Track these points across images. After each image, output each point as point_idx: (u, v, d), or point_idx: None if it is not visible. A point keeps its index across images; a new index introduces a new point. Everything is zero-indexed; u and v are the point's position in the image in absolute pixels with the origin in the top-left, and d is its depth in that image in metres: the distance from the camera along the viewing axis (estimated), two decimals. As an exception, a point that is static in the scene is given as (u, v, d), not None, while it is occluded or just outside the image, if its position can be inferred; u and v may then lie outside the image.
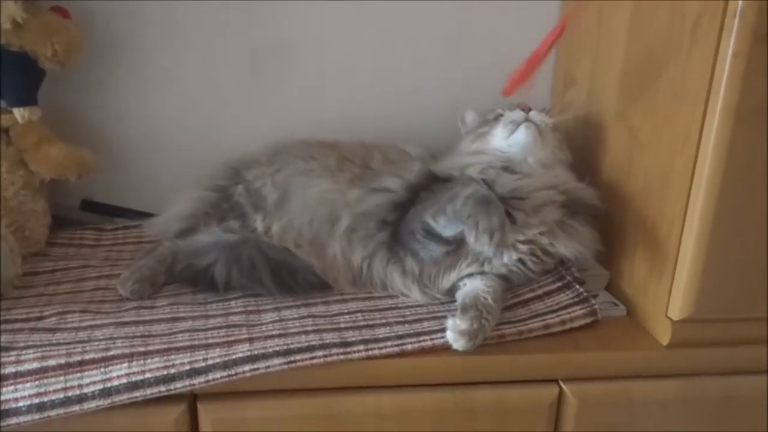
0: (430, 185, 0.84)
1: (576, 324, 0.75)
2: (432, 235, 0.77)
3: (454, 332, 0.68)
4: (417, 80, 1.10)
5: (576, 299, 0.78)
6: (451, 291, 0.79)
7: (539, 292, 0.80)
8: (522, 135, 0.83)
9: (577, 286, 0.79)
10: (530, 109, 0.87)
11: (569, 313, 0.76)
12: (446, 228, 0.76)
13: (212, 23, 1.02)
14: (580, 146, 0.93)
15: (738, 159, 0.65)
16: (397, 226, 0.80)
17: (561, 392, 0.72)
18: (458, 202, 0.73)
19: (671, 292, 0.72)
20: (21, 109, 0.88)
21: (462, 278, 0.79)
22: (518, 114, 0.85)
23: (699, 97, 0.67)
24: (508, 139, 0.84)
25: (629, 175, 0.82)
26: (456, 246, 0.78)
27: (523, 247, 0.78)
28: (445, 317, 0.72)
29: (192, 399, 0.67)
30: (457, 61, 1.10)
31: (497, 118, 0.88)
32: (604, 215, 0.82)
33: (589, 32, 0.94)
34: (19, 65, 0.87)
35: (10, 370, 0.62)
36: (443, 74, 1.10)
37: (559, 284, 0.80)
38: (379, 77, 1.09)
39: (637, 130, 0.79)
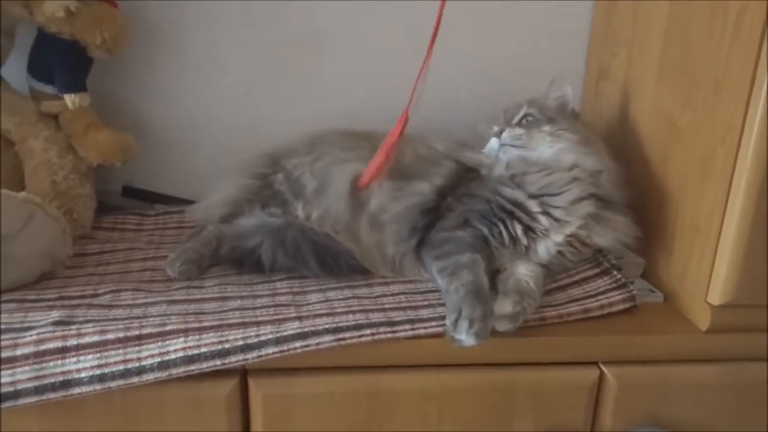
0: (458, 186, 0.86)
1: (615, 309, 0.76)
2: None
3: (497, 314, 0.70)
4: (449, 71, 1.11)
5: (614, 285, 0.79)
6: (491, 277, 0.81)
7: (577, 277, 0.81)
8: (504, 162, 0.84)
9: (615, 272, 0.80)
10: (510, 123, 0.87)
11: (608, 298, 0.77)
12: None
13: (249, 14, 1.04)
14: (616, 136, 0.95)
15: (781, 147, 0.67)
16: (424, 236, 0.82)
17: (601, 374, 0.73)
18: (453, 285, 0.73)
19: (711, 277, 0.73)
20: (72, 95, 0.90)
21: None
22: (493, 144, 0.86)
23: (742, 87, 0.68)
24: (498, 165, 0.85)
25: (666, 163, 0.83)
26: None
27: (562, 241, 0.80)
28: (488, 301, 0.73)
29: (243, 374, 0.69)
30: (488, 53, 1.11)
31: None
32: (629, 199, 0.83)
33: (625, 26, 0.96)
34: (70, 53, 0.90)
35: (71, 342, 0.65)
36: (474, 66, 1.12)
37: (597, 270, 0.82)
38: (411, 68, 1.11)
39: (675, 120, 0.81)
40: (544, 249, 0.80)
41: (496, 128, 0.87)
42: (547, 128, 0.84)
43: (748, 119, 0.68)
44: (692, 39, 0.78)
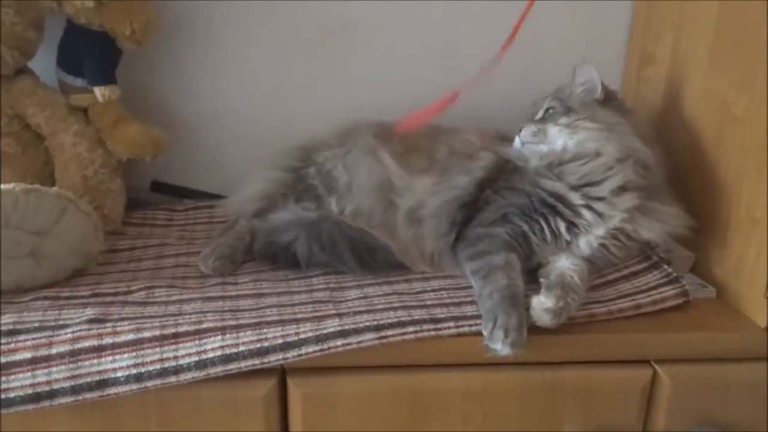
0: (499, 178, 0.83)
1: (667, 304, 0.73)
2: None
3: (539, 309, 0.67)
4: (485, 60, 1.08)
5: (665, 279, 0.75)
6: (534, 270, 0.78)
7: (625, 272, 0.78)
8: (533, 159, 0.81)
9: (666, 266, 0.77)
10: (532, 120, 0.86)
11: (660, 293, 0.73)
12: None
13: (279, 6, 1.02)
14: (661, 123, 0.91)
15: None
16: (461, 230, 0.80)
17: (655, 374, 0.70)
18: (487, 289, 0.70)
19: (771, 271, 0.69)
20: (101, 87, 0.89)
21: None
22: (515, 143, 0.85)
23: (807, 68, 0.64)
24: (532, 157, 0.82)
25: (719, 151, 0.79)
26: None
27: (605, 235, 0.76)
28: (531, 296, 0.70)
29: (281, 373, 0.67)
30: (526, 41, 1.07)
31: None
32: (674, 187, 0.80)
33: (670, 9, 0.91)
34: (99, 44, 0.88)
35: (107, 341, 0.63)
36: (512, 54, 1.08)
37: (646, 264, 0.78)
38: (446, 57, 1.08)
39: (730, 105, 0.77)
40: (585, 243, 0.76)
41: (522, 125, 0.85)
42: (563, 120, 0.81)
43: (814, 103, 0.64)
44: (749, 20, 0.74)
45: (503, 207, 0.79)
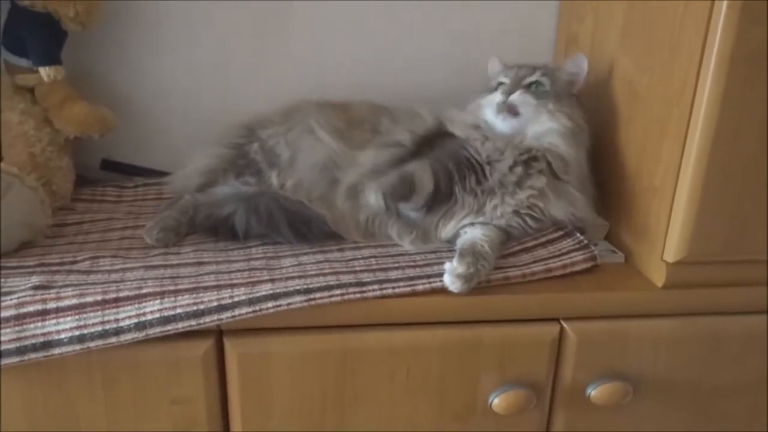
0: (435, 140, 0.88)
1: (577, 268, 0.80)
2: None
3: (451, 275, 0.73)
4: (423, 43, 1.13)
5: (577, 246, 0.82)
6: (453, 239, 0.84)
7: (542, 240, 0.84)
8: (501, 125, 0.85)
9: (578, 234, 0.84)
10: (520, 84, 0.86)
11: (570, 258, 0.80)
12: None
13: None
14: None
15: (732, 107, 0.69)
16: None
17: (562, 330, 0.77)
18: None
19: (667, 236, 0.76)
20: (47, 68, 0.92)
21: (463, 227, 0.84)
22: (494, 98, 0.85)
23: (694, 49, 0.70)
24: (495, 119, 0.85)
25: (627, 127, 0.85)
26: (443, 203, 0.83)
27: (522, 207, 0.83)
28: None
29: (218, 335, 0.72)
30: (463, 26, 1.12)
31: (497, 87, 0.88)
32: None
33: (592, -8, 0.98)
34: (43, 25, 0.91)
35: (51, 305, 0.67)
36: (449, 38, 1.13)
37: (561, 233, 0.85)
38: (385, 40, 1.12)
39: (635, 84, 0.83)
40: (492, 208, 0.83)
41: (504, 81, 0.87)
42: (551, 106, 0.84)
43: (700, 80, 0.70)
44: (652, 2, 0.80)
45: (432, 156, 0.84)
